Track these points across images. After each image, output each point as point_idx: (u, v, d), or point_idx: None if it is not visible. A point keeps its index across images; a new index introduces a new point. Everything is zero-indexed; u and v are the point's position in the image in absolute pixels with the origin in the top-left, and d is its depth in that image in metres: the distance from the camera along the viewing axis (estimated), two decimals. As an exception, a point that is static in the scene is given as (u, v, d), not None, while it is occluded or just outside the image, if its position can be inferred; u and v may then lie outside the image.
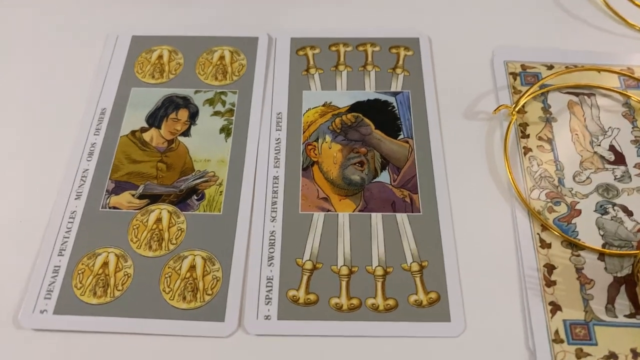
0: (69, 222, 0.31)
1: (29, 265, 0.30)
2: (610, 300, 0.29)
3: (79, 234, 0.31)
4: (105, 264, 0.30)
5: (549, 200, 0.32)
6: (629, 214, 0.31)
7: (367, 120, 0.35)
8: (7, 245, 0.31)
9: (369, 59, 0.37)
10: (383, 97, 0.36)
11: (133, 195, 0.32)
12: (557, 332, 0.28)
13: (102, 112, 0.35)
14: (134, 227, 0.31)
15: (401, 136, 0.34)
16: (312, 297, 0.29)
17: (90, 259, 0.30)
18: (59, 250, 0.30)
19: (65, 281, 0.29)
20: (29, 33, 0.39)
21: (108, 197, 0.32)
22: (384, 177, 0.33)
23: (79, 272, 0.30)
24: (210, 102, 0.36)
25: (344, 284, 0.29)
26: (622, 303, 0.29)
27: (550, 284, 0.29)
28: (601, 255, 0.30)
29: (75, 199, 0.32)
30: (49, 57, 0.38)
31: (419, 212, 0.31)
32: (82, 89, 0.36)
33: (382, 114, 0.35)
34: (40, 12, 0.40)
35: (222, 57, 0.37)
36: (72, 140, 0.34)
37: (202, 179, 0.32)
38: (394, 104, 0.35)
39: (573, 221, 0.31)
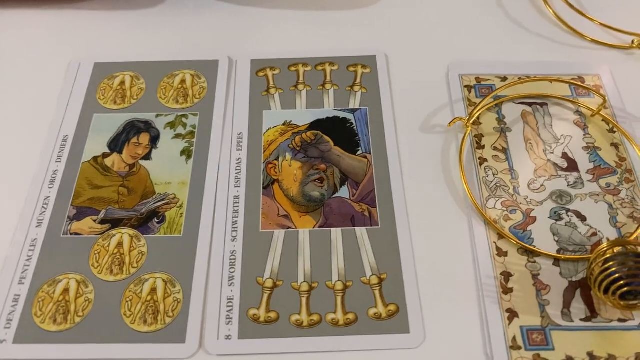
0: (29, 251, 0.31)
1: (-11, 295, 0.30)
2: (566, 304, 0.29)
3: (40, 261, 0.31)
4: (65, 291, 0.30)
5: (504, 208, 0.32)
6: (583, 219, 0.32)
7: (326, 138, 0.35)
8: (-33, 276, 0.31)
9: (328, 77, 0.38)
10: (342, 115, 0.36)
11: (94, 221, 0.32)
12: (514, 338, 0.28)
13: (64, 139, 0.36)
14: (96, 252, 0.31)
15: (360, 152, 0.35)
16: (272, 315, 0.29)
17: (51, 286, 0.30)
18: (19, 279, 0.30)
19: (25, 310, 0.29)
20: (-8, 64, 0.40)
21: (69, 224, 0.32)
22: (344, 192, 0.33)
23: (39, 300, 0.30)
24: (172, 125, 0.36)
25: (304, 300, 0.29)
26: (578, 307, 0.29)
27: (507, 291, 0.30)
28: (556, 261, 0.31)
29: (36, 226, 0.32)
30: (11, 86, 0.38)
31: (378, 225, 0.32)
32: (44, 116, 0.37)
33: (341, 131, 0.36)
34: (2, 40, 0.41)
35: (183, 81, 0.38)
36: (34, 168, 0.34)
37: (162, 202, 0.33)
38: (353, 121, 0.36)
39: (528, 228, 0.32)
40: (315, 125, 0.36)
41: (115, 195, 0.33)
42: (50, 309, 0.29)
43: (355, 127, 0.36)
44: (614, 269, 0.27)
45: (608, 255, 0.28)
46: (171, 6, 0.42)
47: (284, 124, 0.36)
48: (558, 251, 0.31)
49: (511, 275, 0.30)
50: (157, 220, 0.32)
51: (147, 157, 0.35)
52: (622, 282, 0.27)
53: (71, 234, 0.32)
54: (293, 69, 0.39)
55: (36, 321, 0.29)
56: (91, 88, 0.38)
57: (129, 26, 0.41)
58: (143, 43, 0.40)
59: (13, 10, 0.42)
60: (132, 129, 0.36)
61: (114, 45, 0.40)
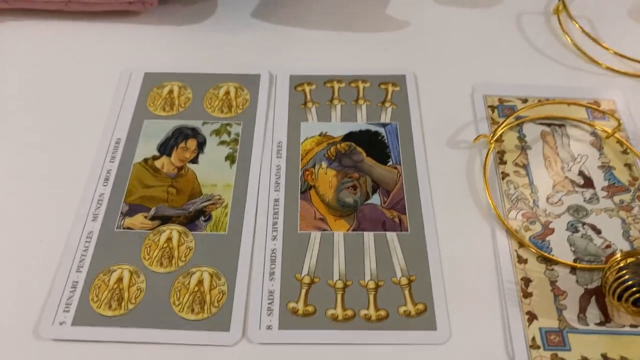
0: (86, 242, 0.34)
1: (49, 281, 0.32)
2: (582, 310, 0.31)
3: (96, 252, 0.33)
4: (119, 280, 0.32)
5: (525, 220, 0.35)
6: (598, 232, 0.34)
7: (359, 149, 0.38)
8: (29, 262, 0.33)
9: (361, 94, 0.41)
10: (373, 128, 0.39)
11: (145, 217, 0.35)
12: (533, 339, 0.30)
13: (117, 141, 0.39)
14: (147, 246, 0.34)
15: (390, 163, 0.37)
16: (310, 308, 0.31)
17: (106, 275, 0.33)
18: (77, 267, 0.33)
19: (83, 295, 0.32)
20: (49, 70, 0.43)
21: (122, 219, 0.35)
22: (375, 199, 0.36)
23: (96, 287, 0.32)
24: (217, 132, 0.39)
25: (339, 296, 0.32)
26: (593, 312, 0.31)
27: (527, 295, 0.32)
28: (573, 269, 0.33)
29: (92, 220, 0.35)
30: (68, 92, 0.41)
31: (407, 231, 0.34)
32: (99, 121, 0.40)
33: (372, 143, 0.38)
34: (59, 51, 0.44)
35: (227, 92, 0.41)
36: (90, 167, 0.37)
37: (209, 202, 0.35)
38: (384, 134, 0.39)
39: (547, 239, 0.34)
40: (349, 137, 0.39)
41: (164, 195, 0.36)
42: (106, 295, 0.32)
43: (386, 140, 0.39)
44: (627, 277, 0.30)
45: (622, 265, 0.30)
46: (217, 23, 0.46)
47: (320, 135, 0.39)
48: (574, 260, 0.33)
49: (531, 281, 0.32)
50: (203, 219, 0.35)
51: (194, 160, 0.38)
52: (634, 289, 0.29)
53: (124, 229, 0.34)
54: (328, 85, 0.42)
55: (93, 306, 0.31)
56: (142, 96, 0.41)
57: (176, 40, 0.45)
58: (190, 56, 0.44)
59: (73, 22, 0.45)
60: (180, 135, 0.39)
61: (163, 57, 0.43)
